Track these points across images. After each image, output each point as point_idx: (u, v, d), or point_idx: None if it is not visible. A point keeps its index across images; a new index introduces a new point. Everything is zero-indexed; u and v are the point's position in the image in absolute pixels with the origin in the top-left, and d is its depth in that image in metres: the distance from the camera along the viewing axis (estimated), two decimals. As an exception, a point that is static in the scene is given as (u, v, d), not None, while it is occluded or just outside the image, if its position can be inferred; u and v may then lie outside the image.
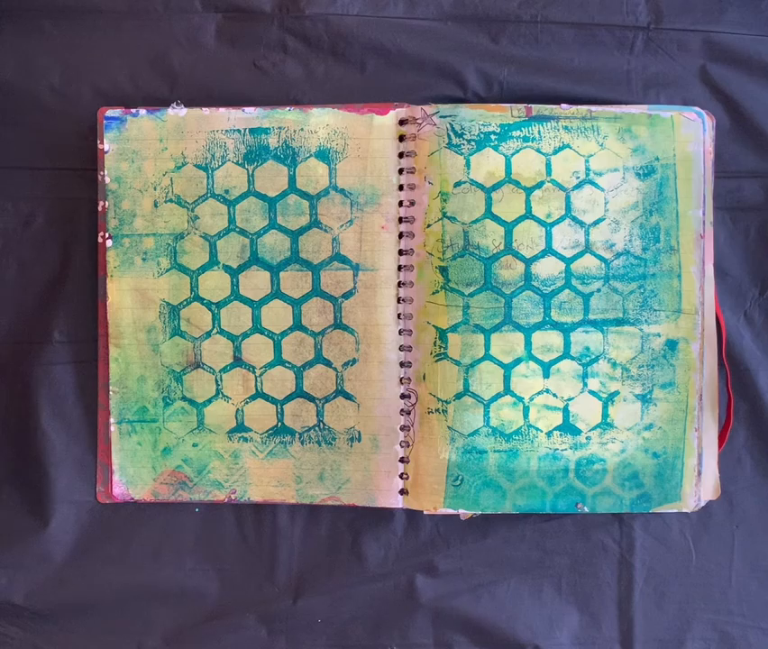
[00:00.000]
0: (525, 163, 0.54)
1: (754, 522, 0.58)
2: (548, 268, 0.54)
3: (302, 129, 0.55)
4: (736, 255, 0.58)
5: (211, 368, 0.56)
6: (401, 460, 0.56)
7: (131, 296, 0.56)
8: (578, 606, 0.58)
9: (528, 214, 0.54)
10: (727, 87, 0.57)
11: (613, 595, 0.58)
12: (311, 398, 0.56)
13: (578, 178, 0.54)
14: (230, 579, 0.58)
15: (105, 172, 0.55)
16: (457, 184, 0.54)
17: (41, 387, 0.57)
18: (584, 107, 0.54)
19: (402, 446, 0.56)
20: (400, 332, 0.55)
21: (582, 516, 0.57)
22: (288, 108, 0.55)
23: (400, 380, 0.55)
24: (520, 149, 0.54)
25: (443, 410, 0.55)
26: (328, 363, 0.56)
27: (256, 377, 0.56)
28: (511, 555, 0.58)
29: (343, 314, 0.55)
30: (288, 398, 0.56)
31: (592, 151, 0.54)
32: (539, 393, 0.55)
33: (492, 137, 0.54)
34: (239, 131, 0.55)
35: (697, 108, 0.55)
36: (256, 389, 0.56)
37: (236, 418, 0.56)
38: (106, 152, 0.55)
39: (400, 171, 0.54)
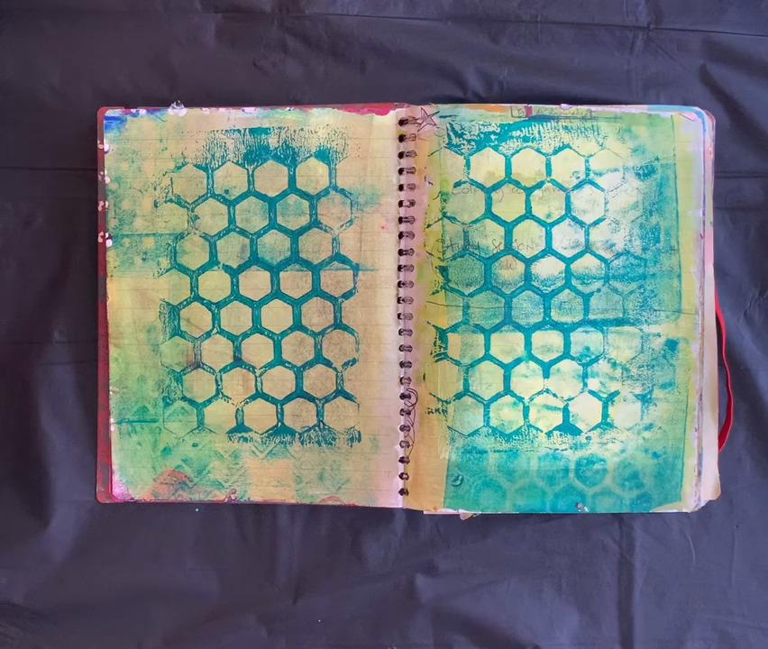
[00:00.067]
0: (525, 163, 0.54)
1: (754, 522, 0.58)
2: (548, 268, 0.54)
3: (302, 129, 0.55)
4: (735, 255, 0.58)
5: (211, 368, 0.56)
6: (401, 460, 0.56)
7: (131, 296, 0.56)
8: (578, 606, 0.58)
9: (528, 214, 0.54)
10: (727, 87, 0.57)
11: (613, 595, 0.58)
12: (311, 398, 0.56)
13: (578, 178, 0.54)
14: (230, 579, 0.58)
15: (105, 172, 0.55)
16: (457, 184, 0.54)
17: (41, 387, 0.57)
18: (584, 107, 0.54)
19: (402, 446, 0.56)
20: (400, 332, 0.55)
21: (582, 516, 0.57)
22: (288, 108, 0.55)
23: (400, 380, 0.55)
24: (520, 149, 0.54)
25: (443, 410, 0.55)
26: (328, 363, 0.56)
27: (256, 377, 0.56)
28: (511, 555, 0.58)
29: (343, 314, 0.55)
30: (288, 398, 0.56)
31: (592, 151, 0.54)
32: (539, 393, 0.55)
33: (492, 137, 0.54)
34: (239, 131, 0.55)
35: (697, 108, 0.55)
36: (256, 389, 0.56)
37: (236, 418, 0.56)
38: (106, 152, 0.55)
39: (400, 171, 0.54)
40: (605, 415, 0.55)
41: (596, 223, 0.54)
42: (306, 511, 0.58)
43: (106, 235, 0.55)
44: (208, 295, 0.56)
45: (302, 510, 0.58)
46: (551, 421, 0.55)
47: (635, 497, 0.55)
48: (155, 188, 0.55)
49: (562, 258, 0.54)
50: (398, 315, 0.55)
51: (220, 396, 0.56)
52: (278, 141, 0.55)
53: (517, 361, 0.55)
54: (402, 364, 0.55)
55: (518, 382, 0.55)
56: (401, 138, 0.54)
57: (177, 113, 0.55)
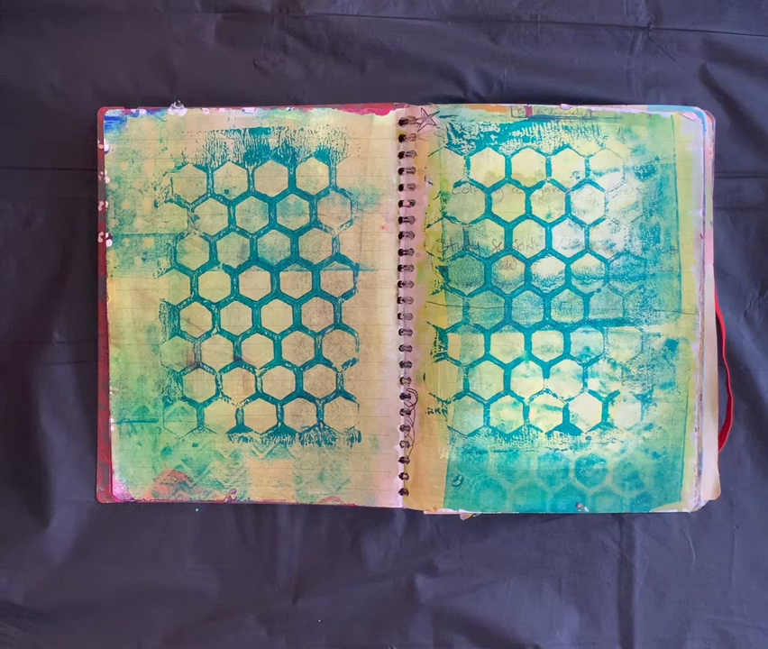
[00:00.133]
0: (525, 163, 0.54)
1: (754, 522, 0.58)
2: (548, 268, 0.54)
3: (302, 129, 0.55)
4: (735, 255, 0.58)
5: (211, 368, 0.56)
6: (401, 460, 0.56)
7: (131, 296, 0.56)
8: (578, 606, 0.58)
9: (528, 214, 0.54)
10: (727, 87, 0.57)
11: (613, 595, 0.58)
12: (311, 398, 0.56)
13: (578, 178, 0.54)
14: (230, 579, 0.58)
15: (105, 172, 0.55)
16: (457, 184, 0.54)
17: (41, 387, 0.57)
18: (584, 107, 0.54)
19: (402, 446, 0.56)
20: (400, 332, 0.55)
21: (582, 516, 0.57)
22: (288, 108, 0.55)
23: (400, 380, 0.55)
24: (520, 149, 0.54)
25: (443, 410, 0.55)
26: (328, 363, 0.56)
27: (256, 377, 0.56)
28: (511, 555, 0.58)
29: (343, 314, 0.55)
30: (288, 398, 0.56)
31: (592, 151, 0.54)
32: (539, 393, 0.55)
33: (492, 137, 0.54)
34: (239, 131, 0.55)
35: (697, 108, 0.55)
36: (256, 389, 0.56)
37: (236, 418, 0.56)
38: (106, 152, 0.55)
39: (400, 171, 0.54)
40: (605, 415, 0.55)
41: (596, 223, 0.54)
42: (306, 511, 0.58)
43: (106, 235, 0.55)
44: (208, 295, 0.56)
45: (302, 510, 0.58)
46: (551, 421, 0.55)
47: (635, 497, 0.55)
48: (155, 188, 0.55)
49: (562, 258, 0.54)
50: (398, 315, 0.55)
51: (220, 396, 0.56)
52: (278, 141, 0.55)
53: (517, 361, 0.55)
54: (402, 364, 0.55)
55: (518, 382, 0.55)
56: (401, 138, 0.54)
57: (177, 113, 0.55)
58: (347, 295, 0.55)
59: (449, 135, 0.54)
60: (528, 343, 0.55)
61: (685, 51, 0.57)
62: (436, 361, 0.55)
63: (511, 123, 0.54)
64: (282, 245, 0.55)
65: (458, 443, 0.55)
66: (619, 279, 0.54)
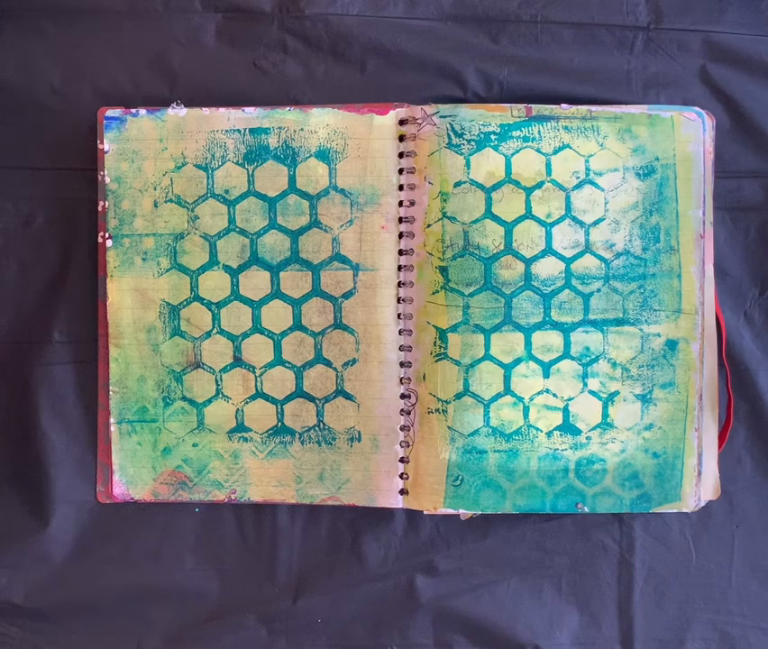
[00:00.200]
0: (525, 163, 0.54)
1: (754, 522, 0.58)
2: (548, 268, 0.54)
3: (302, 129, 0.55)
4: (735, 255, 0.58)
5: (211, 368, 0.56)
6: (401, 460, 0.56)
7: (131, 296, 0.56)
8: (578, 606, 0.58)
9: (528, 214, 0.54)
10: (727, 87, 0.57)
11: (613, 595, 0.58)
12: (311, 398, 0.56)
13: (578, 178, 0.54)
14: (230, 579, 0.58)
15: (105, 172, 0.55)
16: (457, 184, 0.54)
17: (41, 387, 0.57)
18: (584, 107, 0.54)
19: (402, 446, 0.56)
20: (400, 332, 0.55)
21: (582, 516, 0.57)
22: (288, 108, 0.55)
23: (400, 380, 0.55)
24: (520, 149, 0.54)
25: (443, 410, 0.55)
26: (328, 363, 0.56)
27: (256, 377, 0.56)
28: (511, 555, 0.58)
29: (343, 314, 0.55)
30: (288, 398, 0.56)
31: (592, 151, 0.54)
32: (539, 393, 0.55)
33: (492, 137, 0.54)
34: (239, 131, 0.55)
35: (697, 108, 0.55)
36: (256, 389, 0.56)
37: (236, 418, 0.56)
38: (106, 152, 0.55)
39: (400, 171, 0.54)
40: (605, 415, 0.55)
41: (596, 223, 0.54)
42: (306, 511, 0.58)
43: (106, 235, 0.55)
44: (208, 295, 0.56)
45: (302, 510, 0.58)
46: (551, 421, 0.55)
47: (635, 497, 0.55)
48: (155, 188, 0.55)
49: (562, 258, 0.54)
50: (398, 315, 0.55)
51: (220, 396, 0.56)
52: (278, 141, 0.55)
53: (517, 361, 0.55)
54: (402, 364, 0.55)
55: (518, 382, 0.55)
56: (401, 138, 0.54)
57: (177, 113, 0.55)
58: (347, 295, 0.55)
59: (449, 135, 0.54)
60: (528, 343, 0.55)
61: (685, 51, 0.57)
62: (436, 361, 0.55)
63: (511, 123, 0.54)
64: (282, 245, 0.55)
65: (458, 443, 0.55)
66: (619, 279, 0.54)
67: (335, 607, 0.58)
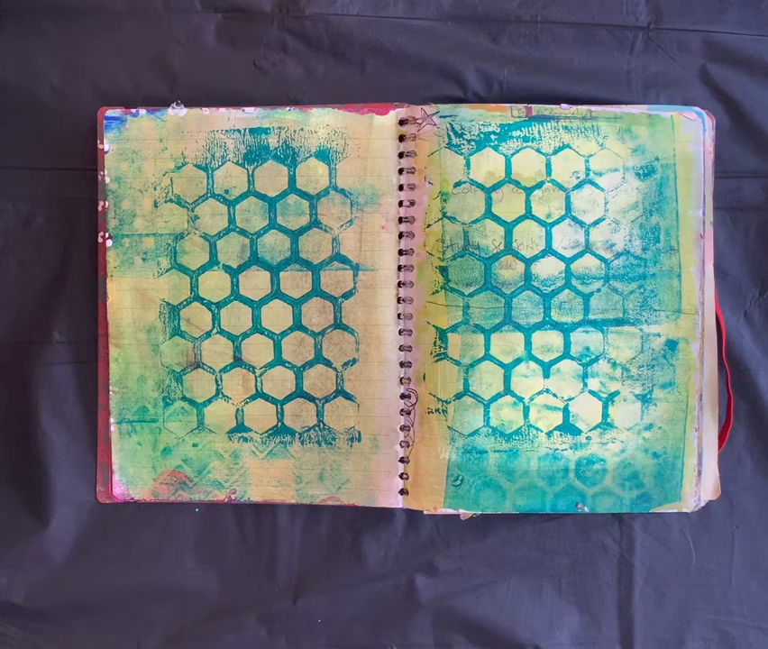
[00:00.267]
0: (525, 163, 0.54)
1: (754, 522, 0.58)
2: (548, 268, 0.54)
3: (302, 129, 0.55)
4: (736, 255, 0.58)
5: (211, 368, 0.56)
6: (401, 460, 0.56)
7: (131, 296, 0.56)
8: (578, 606, 0.58)
9: (528, 214, 0.54)
10: (727, 87, 0.57)
11: (613, 595, 0.58)
12: (311, 398, 0.56)
13: (578, 178, 0.54)
14: (230, 579, 0.58)
15: (105, 172, 0.55)
16: (457, 184, 0.54)
17: (41, 387, 0.57)
18: (584, 107, 0.54)
19: (402, 446, 0.56)
20: (400, 332, 0.55)
21: (582, 516, 0.57)
22: (288, 108, 0.55)
23: (400, 380, 0.55)
24: (520, 149, 0.54)
25: (443, 410, 0.55)
26: (328, 363, 0.56)
27: (256, 377, 0.56)
28: (511, 555, 0.58)
29: (343, 314, 0.55)
30: (288, 398, 0.56)
31: (592, 151, 0.54)
32: (539, 393, 0.55)
33: (492, 137, 0.54)
34: (239, 131, 0.55)
35: (697, 108, 0.55)
36: (256, 389, 0.56)
37: (236, 418, 0.56)
38: (106, 152, 0.55)
39: (400, 171, 0.54)
40: (605, 415, 0.55)
41: (596, 223, 0.54)
42: (306, 511, 0.58)
43: (106, 235, 0.55)
44: (208, 295, 0.56)
45: (302, 510, 0.58)
46: (551, 421, 0.55)
47: (635, 497, 0.55)
48: (155, 188, 0.55)
49: (562, 258, 0.54)
50: (398, 315, 0.55)
51: (220, 396, 0.56)
52: (278, 141, 0.55)
53: (517, 361, 0.55)
54: (402, 364, 0.55)
55: (518, 382, 0.55)
56: (401, 138, 0.54)
57: (177, 113, 0.55)
58: (347, 295, 0.55)
59: (449, 135, 0.54)
60: (528, 343, 0.55)
61: (685, 51, 0.57)
62: (436, 361, 0.55)
63: (511, 123, 0.54)
64: (282, 245, 0.55)
65: (458, 443, 0.55)
66: (619, 279, 0.54)
67: (335, 607, 0.58)
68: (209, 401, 0.56)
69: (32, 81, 0.57)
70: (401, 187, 0.54)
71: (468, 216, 0.54)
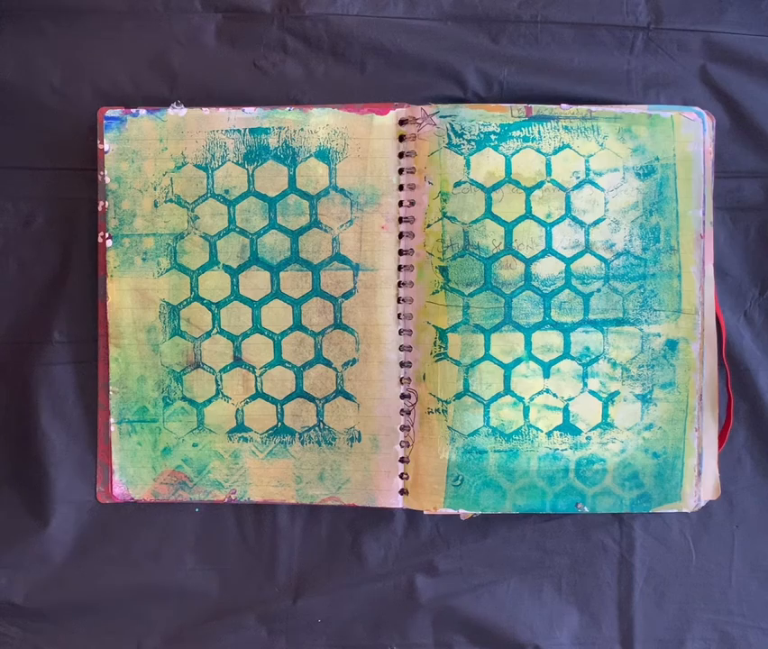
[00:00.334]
0: (525, 163, 0.54)
1: (754, 522, 0.58)
2: (548, 268, 0.54)
3: (302, 129, 0.55)
4: (736, 255, 0.58)
5: (211, 368, 0.56)
6: (401, 460, 0.56)
7: (131, 296, 0.56)
8: (578, 606, 0.58)
9: (528, 214, 0.54)
10: (727, 87, 0.57)
11: (613, 595, 0.58)
12: (311, 398, 0.56)
13: (578, 178, 0.54)
14: (230, 579, 0.58)
15: (105, 172, 0.55)
16: (457, 184, 0.54)
17: (41, 387, 0.57)
18: (584, 107, 0.54)
19: (402, 446, 0.56)
20: (400, 332, 0.55)
21: (582, 516, 0.57)
22: (288, 108, 0.55)
23: (400, 380, 0.55)
24: (520, 149, 0.54)
25: (443, 410, 0.55)
26: (328, 363, 0.56)
27: (256, 377, 0.56)
28: (511, 555, 0.58)
29: (343, 314, 0.55)
30: (288, 398, 0.56)
31: (592, 151, 0.54)
32: (539, 393, 0.55)
33: (492, 137, 0.54)
34: (239, 131, 0.55)
35: (697, 108, 0.55)
36: (256, 389, 0.56)
37: (236, 418, 0.56)
38: (106, 152, 0.55)
39: (400, 171, 0.54)
40: (605, 415, 0.55)
41: (596, 223, 0.54)
42: (306, 511, 0.58)
43: (106, 235, 0.55)
44: (208, 295, 0.56)
45: (302, 510, 0.58)
46: (551, 421, 0.55)
47: (635, 497, 0.55)
48: (155, 188, 0.55)
49: (562, 258, 0.54)
50: (398, 315, 0.55)
51: (220, 396, 0.56)
52: (278, 141, 0.55)
53: (517, 361, 0.55)
54: (402, 364, 0.55)
55: (518, 382, 0.55)
56: (401, 138, 0.54)
57: (177, 113, 0.55)
58: (347, 295, 0.55)
59: (449, 135, 0.54)
60: (528, 343, 0.55)
61: (685, 51, 0.57)
62: (436, 361, 0.55)
63: (511, 123, 0.54)
64: (282, 245, 0.55)
65: (458, 443, 0.55)
66: (619, 279, 0.54)
67: (335, 607, 0.58)
68: (209, 401, 0.56)
69: (32, 81, 0.57)
70: (401, 187, 0.54)
71: (468, 216, 0.54)
